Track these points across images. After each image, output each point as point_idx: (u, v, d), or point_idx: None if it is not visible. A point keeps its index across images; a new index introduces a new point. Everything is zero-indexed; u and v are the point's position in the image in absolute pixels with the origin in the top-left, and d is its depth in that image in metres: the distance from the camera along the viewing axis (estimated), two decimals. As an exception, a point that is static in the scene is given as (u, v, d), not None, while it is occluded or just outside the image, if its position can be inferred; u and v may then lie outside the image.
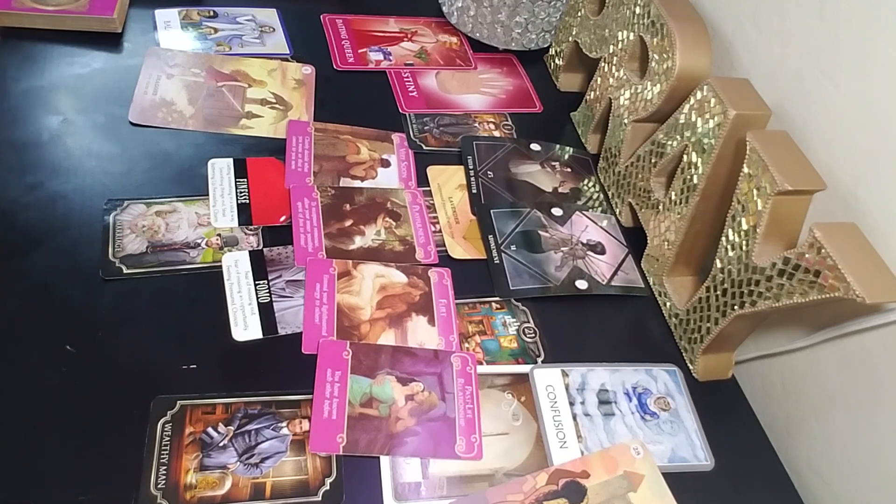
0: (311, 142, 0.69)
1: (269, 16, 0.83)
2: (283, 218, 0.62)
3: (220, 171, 0.65)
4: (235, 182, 0.64)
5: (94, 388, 0.49)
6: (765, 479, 0.54)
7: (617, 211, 0.70)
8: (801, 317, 0.57)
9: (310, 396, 0.51)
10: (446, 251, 0.63)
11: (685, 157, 0.58)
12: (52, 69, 0.71)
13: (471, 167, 0.70)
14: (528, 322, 0.59)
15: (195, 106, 0.70)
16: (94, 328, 0.52)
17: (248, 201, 0.63)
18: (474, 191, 0.68)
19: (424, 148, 0.72)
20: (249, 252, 0.59)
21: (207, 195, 0.62)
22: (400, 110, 0.76)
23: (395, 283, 0.59)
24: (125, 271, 0.56)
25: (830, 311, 0.53)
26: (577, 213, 0.68)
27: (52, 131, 0.65)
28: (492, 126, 0.77)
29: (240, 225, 0.61)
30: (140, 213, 0.60)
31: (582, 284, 0.62)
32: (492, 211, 0.66)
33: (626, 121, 0.68)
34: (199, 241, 0.59)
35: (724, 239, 0.54)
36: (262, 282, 0.57)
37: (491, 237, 0.64)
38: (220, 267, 0.57)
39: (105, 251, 0.56)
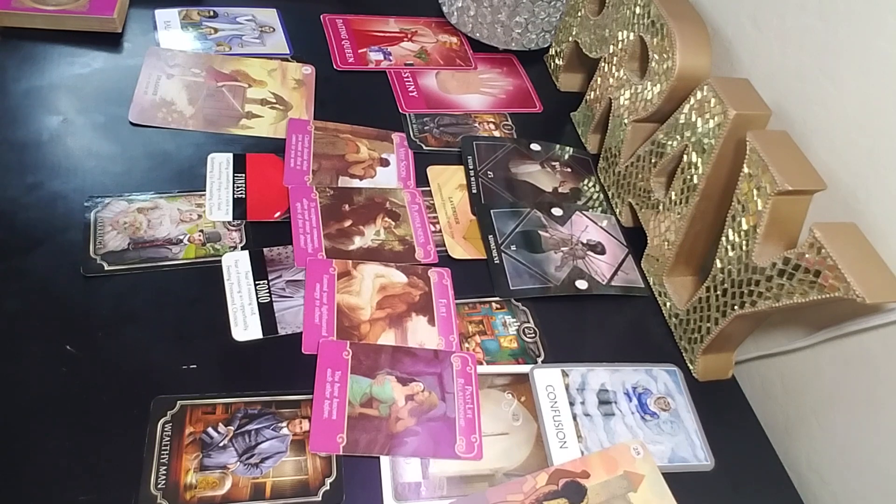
0: (311, 140, 0.69)
1: (269, 16, 0.83)
2: (277, 214, 0.62)
3: (220, 165, 0.65)
4: (233, 177, 0.64)
5: (94, 388, 0.49)
6: (765, 479, 0.54)
7: (617, 211, 0.70)
8: (801, 317, 0.57)
9: (310, 396, 0.51)
10: (446, 251, 0.63)
11: (685, 157, 0.58)
12: (52, 69, 0.71)
13: (471, 167, 0.70)
14: (528, 322, 0.59)
15: (195, 106, 0.70)
16: (94, 328, 0.52)
17: (244, 196, 0.63)
18: (474, 191, 0.68)
19: (424, 148, 0.72)
20: (249, 252, 0.59)
21: (196, 192, 0.62)
22: (400, 110, 0.76)
23: (394, 283, 0.59)
24: (106, 268, 0.55)
25: (830, 311, 0.53)
26: (577, 213, 0.68)
27: (52, 131, 0.65)
28: (492, 126, 0.77)
29: (234, 219, 0.61)
30: (122, 210, 0.60)
31: (582, 284, 0.62)
32: (492, 211, 0.66)
33: (626, 121, 0.68)
34: (181, 237, 0.59)
35: (724, 239, 0.54)
36: (262, 282, 0.57)
37: (491, 237, 0.64)
38: (204, 263, 0.57)
39: (86, 248, 0.56)
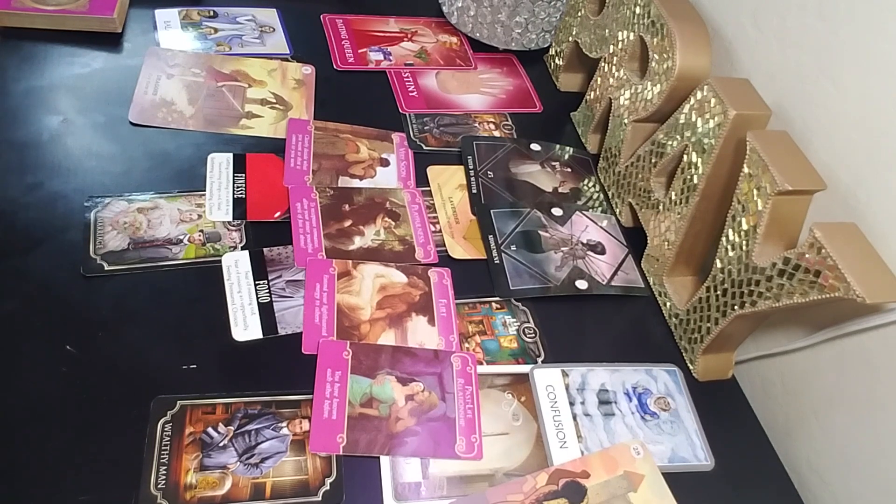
0: (311, 140, 0.69)
1: (269, 16, 0.83)
2: (277, 214, 0.62)
3: (220, 165, 0.65)
4: (233, 177, 0.64)
5: (94, 388, 0.49)
6: (765, 479, 0.54)
7: (617, 211, 0.70)
8: (801, 317, 0.57)
9: (310, 396, 0.51)
10: (446, 251, 0.63)
11: (685, 157, 0.58)
12: (52, 69, 0.71)
13: (471, 167, 0.70)
14: (528, 322, 0.59)
15: (195, 106, 0.70)
16: (94, 328, 0.52)
17: (244, 196, 0.63)
18: (474, 191, 0.68)
19: (424, 148, 0.72)
20: (249, 252, 0.59)
21: (196, 192, 0.62)
22: (400, 110, 0.76)
23: (394, 283, 0.59)
24: (106, 268, 0.55)
25: (830, 311, 0.53)
26: (577, 213, 0.68)
27: (52, 131, 0.65)
28: (492, 126, 0.77)
29: (234, 219, 0.61)
30: (122, 210, 0.60)
31: (582, 284, 0.62)
32: (492, 211, 0.66)
33: (626, 121, 0.68)
34: (181, 237, 0.59)
35: (724, 239, 0.54)
36: (262, 282, 0.57)
37: (491, 237, 0.64)
38: (204, 263, 0.57)
39: (86, 248, 0.56)
